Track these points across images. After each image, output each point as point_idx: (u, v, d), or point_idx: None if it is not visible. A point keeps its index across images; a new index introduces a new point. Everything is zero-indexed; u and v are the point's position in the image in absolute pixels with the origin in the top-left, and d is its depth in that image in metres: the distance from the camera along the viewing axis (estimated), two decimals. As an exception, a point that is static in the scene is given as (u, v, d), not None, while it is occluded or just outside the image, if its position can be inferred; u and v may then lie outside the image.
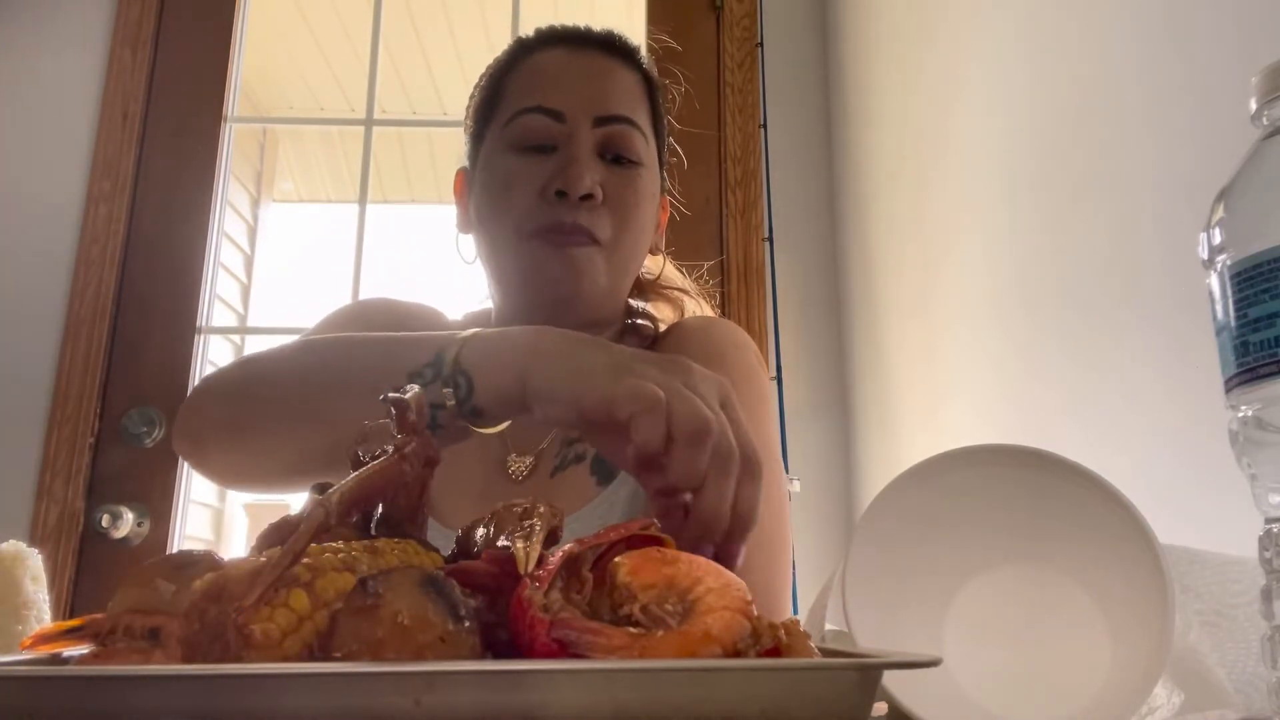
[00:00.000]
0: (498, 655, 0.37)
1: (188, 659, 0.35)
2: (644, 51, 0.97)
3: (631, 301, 1.00)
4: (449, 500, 0.86)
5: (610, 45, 0.94)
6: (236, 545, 2.75)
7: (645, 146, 0.91)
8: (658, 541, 0.43)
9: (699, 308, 1.05)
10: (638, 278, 1.01)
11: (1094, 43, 1.04)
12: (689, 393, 0.53)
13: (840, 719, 0.33)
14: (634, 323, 0.99)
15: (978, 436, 1.29)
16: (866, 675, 0.34)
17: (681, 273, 1.09)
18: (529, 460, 0.89)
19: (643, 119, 0.92)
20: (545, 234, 0.85)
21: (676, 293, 1.04)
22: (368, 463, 0.45)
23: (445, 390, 0.62)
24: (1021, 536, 0.50)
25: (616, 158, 0.89)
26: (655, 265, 1.05)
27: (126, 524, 1.81)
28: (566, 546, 0.41)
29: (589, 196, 0.85)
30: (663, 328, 1.00)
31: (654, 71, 0.97)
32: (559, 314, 0.88)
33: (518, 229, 0.87)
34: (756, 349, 0.95)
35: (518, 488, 0.87)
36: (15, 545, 0.72)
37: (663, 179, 0.98)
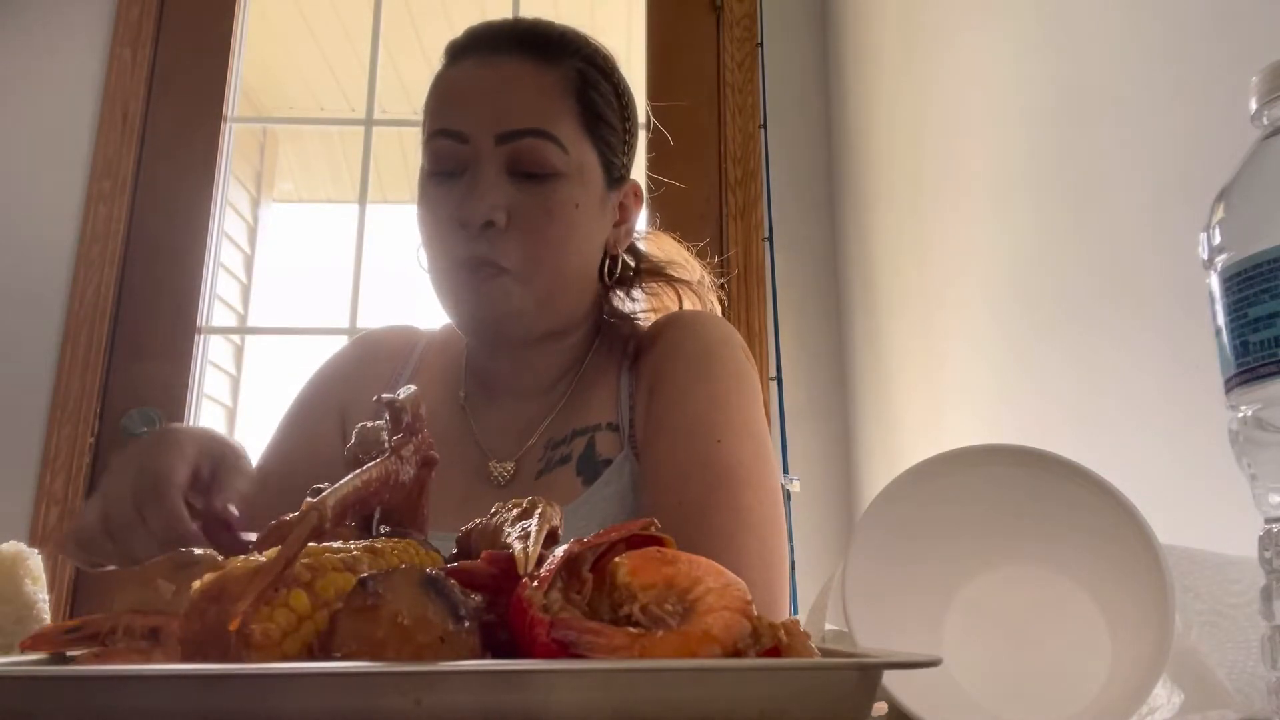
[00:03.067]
0: (498, 655, 0.37)
1: (188, 659, 0.35)
2: (576, 37, 0.91)
3: (619, 293, 0.98)
4: (431, 508, 0.86)
5: (527, 44, 0.88)
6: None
7: (563, 154, 0.85)
8: (658, 541, 0.43)
9: (699, 301, 1.02)
10: (644, 263, 0.99)
11: (1094, 44, 1.04)
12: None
13: (840, 719, 0.33)
14: (610, 321, 0.97)
15: (978, 436, 1.29)
16: (866, 675, 0.34)
17: (697, 260, 1.05)
18: (510, 465, 0.89)
19: (562, 122, 0.86)
20: (455, 269, 0.84)
21: (680, 285, 1.01)
22: (365, 464, 0.45)
23: None
24: (1021, 536, 0.50)
25: (527, 174, 0.84)
26: (661, 251, 1.03)
27: (126, 524, 1.80)
28: (566, 546, 0.41)
29: (490, 224, 0.82)
30: (652, 318, 0.99)
31: (593, 59, 0.91)
32: (489, 340, 0.91)
33: (437, 259, 0.86)
34: (744, 344, 0.94)
35: (502, 492, 0.87)
36: (15, 545, 0.72)
37: (617, 166, 0.92)
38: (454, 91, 0.88)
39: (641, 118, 1.01)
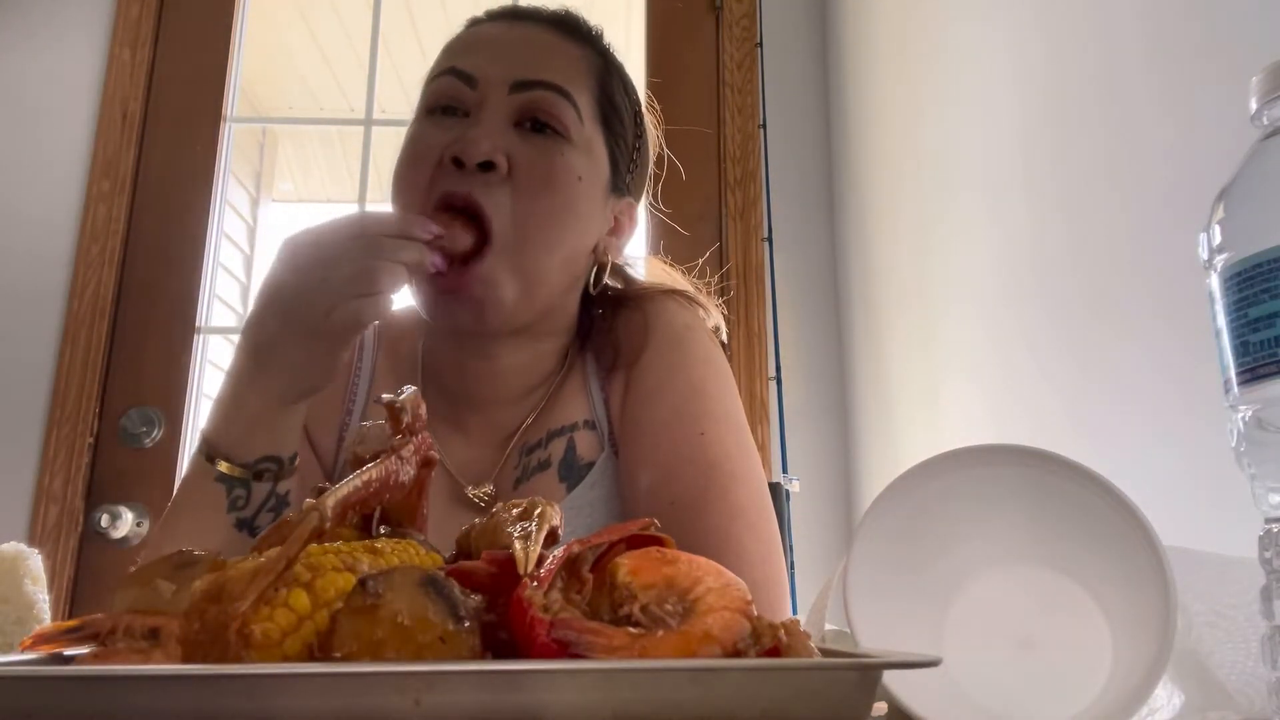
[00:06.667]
0: (498, 655, 0.37)
1: (188, 659, 0.35)
2: (604, 39, 0.89)
3: (600, 313, 0.91)
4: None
5: (556, 21, 0.85)
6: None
7: (578, 123, 0.80)
8: (658, 541, 0.43)
9: (702, 309, 0.95)
10: (633, 287, 0.92)
11: (1095, 42, 1.04)
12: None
13: (840, 719, 0.33)
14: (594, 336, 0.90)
15: (978, 436, 1.29)
16: (866, 675, 0.34)
17: (689, 279, 0.98)
18: (488, 488, 0.84)
19: (581, 94, 0.81)
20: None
21: (677, 296, 0.93)
22: (368, 462, 0.45)
23: (265, 485, 0.71)
24: (1022, 536, 0.50)
25: (537, 124, 0.78)
26: (652, 275, 0.97)
27: (126, 524, 1.81)
28: (566, 546, 0.41)
29: (490, 166, 0.75)
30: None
31: (615, 60, 0.88)
32: (463, 332, 0.83)
33: (412, 204, 0.77)
34: (706, 324, 0.90)
35: (483, 512, 0.83)
36: (15, 546, 0.72)
37: (621, 172, 0.87)
38: (470, 39, 0.84)
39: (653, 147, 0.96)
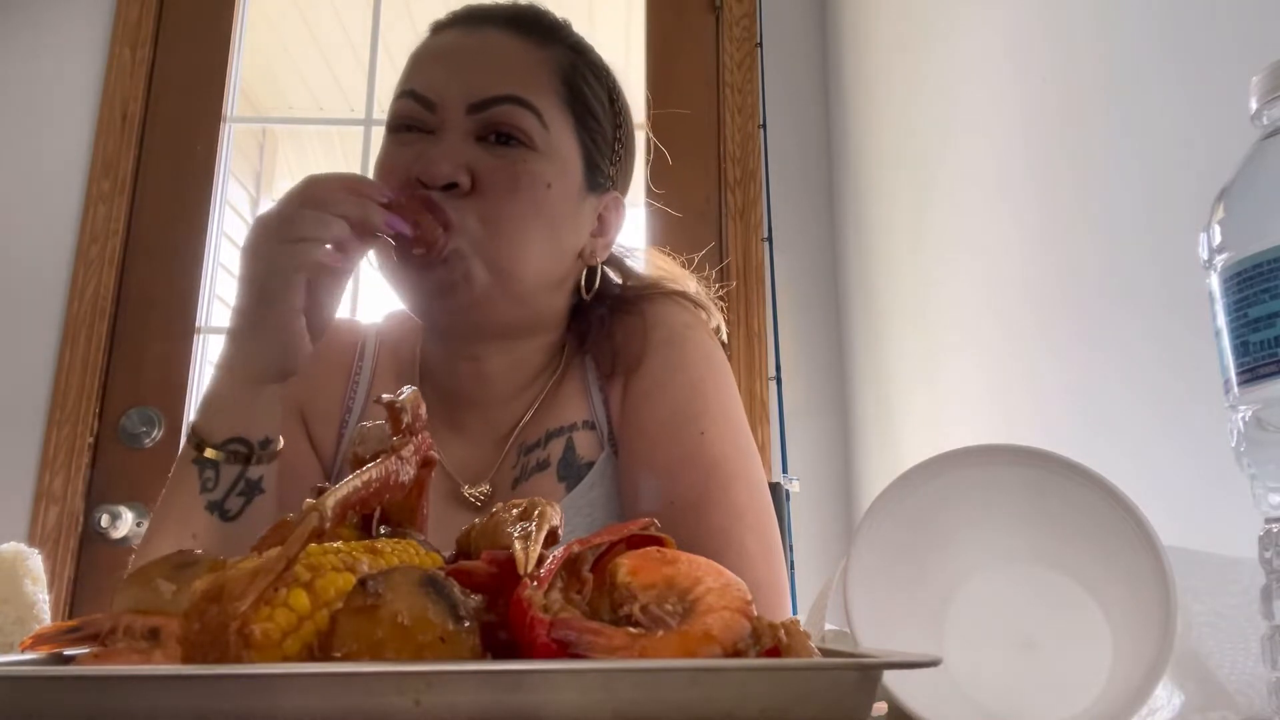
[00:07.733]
0: (498, 655, 0.37)
1: (188, 659, 0.35)
2: (573, 31, 0.88)
3: (599, 310, 0.90)
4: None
5: (516, 22, 0.84)
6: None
7: (540, 127, 0.79)
8: (658, 541, 0.43)
9: (703, 312, 0.95)
10: (631, 281, 0.92)
11: (1094, 45, 1.04)
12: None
13: (840, 719, 0.33)
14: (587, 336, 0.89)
15: (978, 436, 1.29)
16: (866, 675, 0.34)
17: (692, 274, 0.97)
18: (485, 488, 0.84)
19: (543, 98, 0.80)
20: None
21: (676, 296, 0.92)
22: (367, 462, 0.45)
23: (234, 467, 0.72)
24: (1022, 536, 0.50)
25: (500, 136, 0.78)
26: (652, 268, 0.96)
27: (126, 524, 1.81)
28: (565, 546, 0.41)
29: (453, 186, 0.76)
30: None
31: (587, 54, 0.87)
32: (443, 328, 0.85)
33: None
34: (705, 322, 0.90)
35: (480, 513, 0.83)
36: (15, 546, 0.72)
37: (602, 170, 0.86)
38: (428, 56, 0.84)
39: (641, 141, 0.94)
